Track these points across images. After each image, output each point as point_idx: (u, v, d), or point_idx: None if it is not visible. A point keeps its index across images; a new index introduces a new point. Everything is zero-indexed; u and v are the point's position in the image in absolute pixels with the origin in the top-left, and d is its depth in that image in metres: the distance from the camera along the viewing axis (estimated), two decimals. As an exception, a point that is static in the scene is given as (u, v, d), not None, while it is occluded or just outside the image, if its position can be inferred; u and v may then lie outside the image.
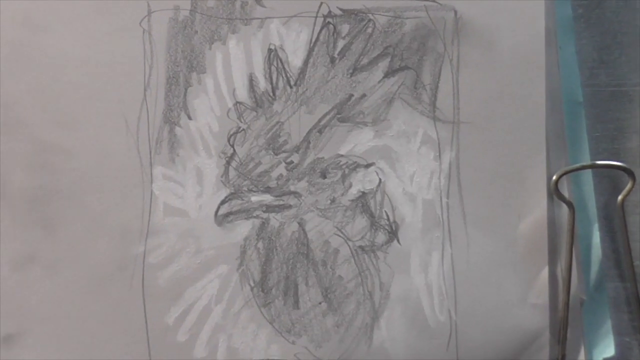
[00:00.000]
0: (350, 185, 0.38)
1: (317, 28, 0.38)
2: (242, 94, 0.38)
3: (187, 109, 0.38)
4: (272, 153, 0.38)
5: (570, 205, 0.38)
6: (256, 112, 0.38)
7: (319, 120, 0.38)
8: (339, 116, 0.38)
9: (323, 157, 0.38)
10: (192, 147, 0.38)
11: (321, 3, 0.38)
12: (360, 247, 0.38)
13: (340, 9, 0.38)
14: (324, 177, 0.38)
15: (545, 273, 0.38)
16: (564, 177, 0.38)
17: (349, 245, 0.38)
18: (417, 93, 0.38)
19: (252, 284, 0.38)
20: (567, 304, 0.38)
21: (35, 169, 0.37)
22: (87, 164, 0.37)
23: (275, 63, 0.38)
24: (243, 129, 0.38)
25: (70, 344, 0.37)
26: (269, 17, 0.38)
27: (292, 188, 0.38)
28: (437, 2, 0.38)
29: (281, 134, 0.38)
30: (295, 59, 0.38)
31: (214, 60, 0.38)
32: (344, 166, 0.38)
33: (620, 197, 0.38)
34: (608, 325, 0.39)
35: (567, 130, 0.39)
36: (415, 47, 0.38)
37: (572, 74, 0.39)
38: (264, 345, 0.38)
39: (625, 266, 0.39)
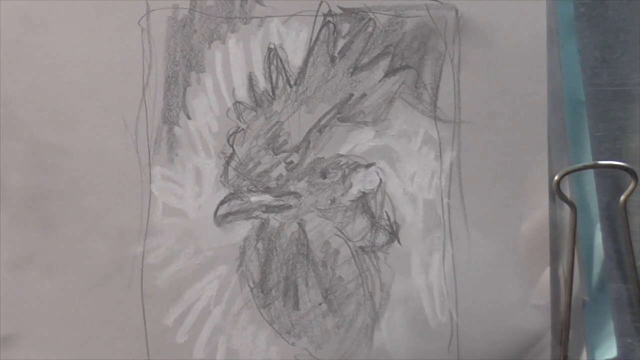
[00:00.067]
0: (351, 186, 0.38)
1: (317, 27, 0.38)
2: (242, 94, 0.38)
3: (186, 109, 0.38)
4: (272, 153, 0.38)
5: (572, 205, 0.38)
6: (256, 111, 0.38)
7: (319, 120, 0.38)
8: (339, 116, 0.38)
9: (323, 157, 0.38)
10: (191, 147, 0.38)
11: (321, 2, 0.38)
12: (361, 247, 0.38)
13: (341, 8, 0.38)
14: (324, 177, 0.38)
15: (547, 274, 0.38)
16: (566, 177, 0.38)
17: (349, 246, 0.38)
18: (418, 92, 0.38)
19: (252, 285, 0.38)
20: (569, 305, 0.37)
21: (33, 169, 0.37)
22: (86, 164, 0.37)
23: (275, 62, 0.38)
24: (242, 129, 0.38)
25: (69, 345, 0.37)
26: (269, 16, 0.38)
27: (292, 188, 0.38)
28: (438, 1, 0.38)
29: (281, 134, 0.38)
30: (295, 58, 0.38)
31: (213, 59, 0.38)
32: (344, 166, 0.38)
33: (622, 198, 0.38)
34: (610, 327, 0.39)
35: (569, 130, 0.38)
36: (416, 46, 0.38)
37: (574, 73, 0.39)
38: (263, 347, 0.38)
39: (627, 267, 0.39)
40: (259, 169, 0.38)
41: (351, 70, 0.38)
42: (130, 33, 0.37)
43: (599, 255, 0.39)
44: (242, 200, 0.38)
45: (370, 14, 0.38)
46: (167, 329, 0.37)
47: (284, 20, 0.38)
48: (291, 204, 0.38)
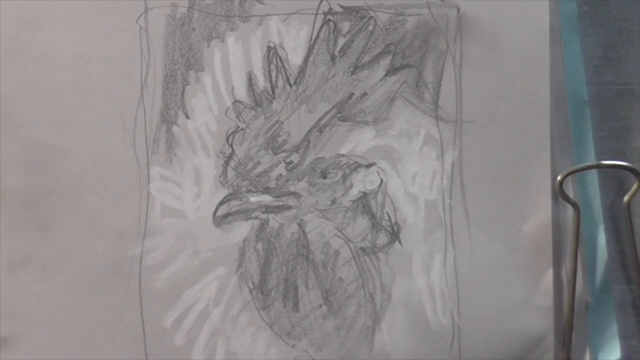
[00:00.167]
0: (351, 186, 0.38)
1: (318, 25, 0.38)
2: (241, 93, 0.38)
3: (184, 108, 0.38)
4: (272, 153, 0.38)
5: (575, 206, 0.37)
6: (255, 111, 0.38)
7: (319, 120, 0.38)
8: (339, 115, 0.38)
9: (323, 157, 0.38)
10: (190, 146, 0.38)
11: (321, 0, 0.38)
12: (361, 248, 0.38)
13: (341, 6, 0.38)
14: (324, 177, 0.38)
15: (549, 275, 0.38)
16: (569, 177, 0.38)
17: (349, 247, 0.38)
18: (419, 92, 0.38)
19: (251, 286, 0.38)
20: (572, 306, 0.37)
21: (30, 169, 0.37)
22: (83, 164, 0.37)
23: (274, 61, 0.38)
24: (242, 128, 0.38)
25: (66, 346, 0.37)
26: (268, 14, 0.38)
27: (291, 188, 0.38)
28: (439, -1, 0.38)
29: (281, 134, 0.38)
30: (295, 57, 0.38)
31: (212, 58, 0.38)
32: (344, 166, 0.38)
33: (626, 198, 0.38)
34: (614, 329, 0.38)
35: (572, 130, 0.38)
36: (417, 44, 0.38)
37: (577, 72, 0.39)
38: (263, 349, 0.38)
39: (631, 268, 0.39)
40: (259, 169, 0.38)
41: (352, 69, 0.38)
42: (129, 31, 0.37)
43: (603, 256, 0.39)
44: (242, 200, 0.38)
45: (371, 12, 0.38)
46: (165, 330, 0.37)
47: (284, 18, 0.38)
48: (291, 204, 0.38)
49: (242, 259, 0.38)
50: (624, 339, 0.38)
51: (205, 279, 0.37)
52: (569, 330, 0.37)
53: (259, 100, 0.38)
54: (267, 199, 0.38)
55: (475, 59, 0.38)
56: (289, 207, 0.38)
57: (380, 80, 0.38)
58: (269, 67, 0.38)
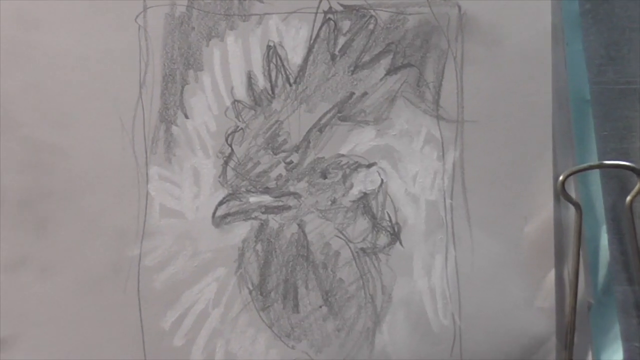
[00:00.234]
0: (352, 186, 0.38)
1: (318, 24, 0.38)
2: (241, 92, 0.38)
3: (183, 108, 0.38)
4: (271, 153, 0.38)
5: (577, 206, 0.37)
6: (255, 110, 0.38)
7: (320, 119, 0.38)
8: (339, 115, 0.38)
9: (323, 157, 0.38)
10: (189, 146, 0.38)
11: (321, -1, 0.38)
12: (362, 249, 0.38)
13: (341, 5, 0.38)
14: (325, 177, 0.38)
15: (551, 276, 0.37)
16: (571, 177, 0.38)
17: (350, 248, 0.38)
18: (420, 91, 0.38)
19: (251, 287, 0.38)
20: (574, 307, 0.37)
21: (28, 169, 0.37)
22: (81, 164, 0.37)
23: (274, 60, 0.38)
24: (241, 128, 0.38)
25: (64, 348, 0.37)
26: (268, 13, 0.38)
27: (291, 189, 0.38)
28: (440, -2, 0.38)
29: (280, 133, 0.38)
30: (294, 56, 0.38)
31: (212, 57, 0.38)
32: (344, 166, 0.38)
33: (628, 198, 0.38)
34: (616, 330, 0.38)
35: (574, 129, 0.38)
36: (418, 44, 0.38)
37: (579, 72, 0.39)
38: (262, 350, 0.37)
39: (634, 269, 0.39)
40: (258, 169, 0.38)
41: (352, 68, 0.38)
42: (127, 30, 0.37)
43: (605, 257, 0.39)
44: (241, 201, 0.38)
45: (372, 11, 0.38)
46: (164, 332, 0.37)
47: (284, 17, 0.38)
48: (291, 204, 0.38)
49: (241, 260, 0.38)
50: (627, 340, 0.38)
51: (204, 280, 0.37)
52: (571, 332, 0.37)
53: (258, 100, 0.38)
54: (266, 199, 0.38)
55: (476, 58, 0.38)
56: (289, 208, 0.38)
57: (381, 79, 0.38)
58: (269, 66, 0.38)
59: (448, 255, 0.38)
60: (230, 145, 0.38)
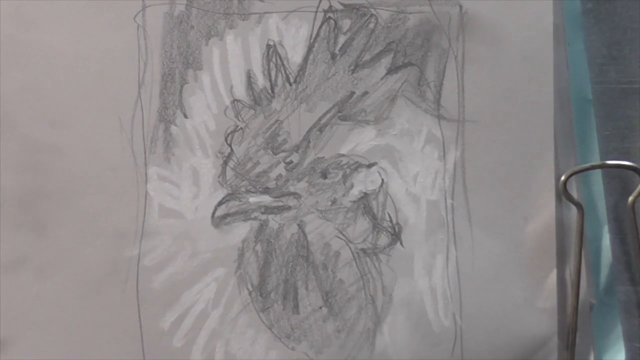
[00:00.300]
0: (352, 186, 0.38)
1: (318, 23, 0.38)
2: (240, 92, 0.38)
3: (182, 107, 0.37)
4: (271, 152, 0.38)
5: (579, 206, 0.37)
6: (254, 110, 0.38)
7: (320, 119, 0.38)
8: (340, 114, 0.38)
9: (323, 157, 0.38)
10: (188, 146, 0.37)
11: (322, -3, 0.38)
12: (362, 249, 0.38)
13: (342, 4, 0.38)
14: (325, 177, 0.38)
15: (553, 276, 0.37)
16: (573, 177, 0.38)
17: (350, 248, 0.38)
18: (420, 90, 0.38)
19: (250, 288, 0.37)
20: (576, 308, 0.37)
21: (25, 169, 0.37)
22: (80, 164, 0.37)
23: (274, 59, 0.38)
24: (241, 128, 0.38)
25: (63, 349, 0.37)
26: (268, 12, 0.38)
27: (291, 189, 0.38)
28: (441, -3, 0.38)
29: (280, 133, 0.38)
30: (294, 55, 0.38)
31: (211, 56, 0.38)
32: (345, 166, 0.38)
33: (630, 198, 0.38)
34: (618, 331, 0.38)
35: (576, 129, 0.38)
36: (419, 43, 0.38)
37: (581, 71, 0.39)
38: (262, 351, 0.37)
39: (636, 269, 0.39)
40: (258, 169, 0.38)
41: (352, 67, 0.38)
42: (126, 29, 0.37)
43: (607, 257, 0.39)
44: (241, 201, 0.38)
45: (372, 9, 0.38)
46: (163, 332, 0.37)
47: (284, 16, 0.38)
48: (291, 204, 0.38)
49: (241, 260, 0.37)
50: (629, 340, 0.38)
51: (203, 281, 0.37)
52: (573, 332, 0.37)
53: (258, 99, 0.38)
54: (266, 199, 0.38)
55: (477, 58, 0.38)
56: (289, 208, 0.38)
57: (382, 78, 0.38)
58: (269, 65, 0.38)
59: (449, 255, 0.38)
60: (230, 145, 0.38)
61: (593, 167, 0.38)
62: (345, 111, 0.38)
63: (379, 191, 0.38)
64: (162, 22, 0.37)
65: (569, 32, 0.38)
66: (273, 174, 0.38)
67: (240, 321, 0.37)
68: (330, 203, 0.38)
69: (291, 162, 0.38)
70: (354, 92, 0.38)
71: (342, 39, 0.38)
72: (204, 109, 0.37)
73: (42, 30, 0.37)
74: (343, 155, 0.38)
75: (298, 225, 0.38)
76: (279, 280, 0.38)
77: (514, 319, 0.37)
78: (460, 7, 0.38)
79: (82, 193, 0.37)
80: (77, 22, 0.37)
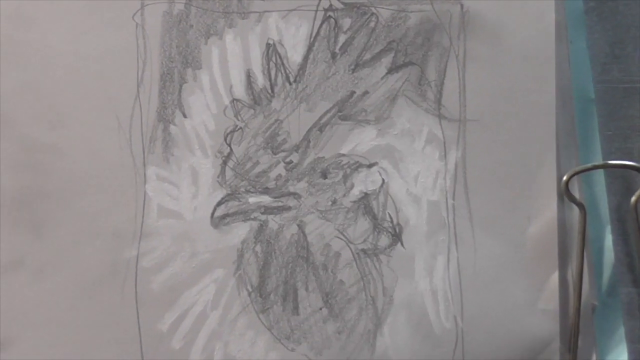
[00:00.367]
0: (352, 186, 0.38)
1: (318, 22, 0.38)
2: (240, 91, 0.38)
3: (182, 107, 0.37)
4: (271, 152, 0.38)
5: (581, 206, 0.37)
6: (254, 109, 0.38)
7: (320, 118, 0.38)
8: (340, 114, 0.38)
9: (324, 157, 0.38)
10: (187, 146, 0.37)
11: (322, -4, 0.38)
12: (363, 250, 0.38)
13: (342, 2, 0.38)
14: (325, 177, 0.38)
15: (555, 277, 0.37)
16: (575, 177, 0.38)
17: (350, 249, 0.38)
18: (421, 90, 0.38)
19: (250, 289, 0.37)
20: (578, 309, 0.37)
21: (23, 169, 0.36)
22: (78, 164, 0.37)
23: (273, 59, 0.38)
24: (240, 128, 0.38)
25: (61, 350, 0.36)
26: (268, 11, 0.38)
27: (291, 189, 0.38)
28: (442, -5, 0.38)
29: (280, 133, 0.38)
30: (294, 55, 0.38)
31: (210, 55, 0.37)
32: (345, 166, 0.38)
33: (633, 198, 0.38)
34: (621, 332, 0.38)
35: (578, 129, 0.38)
36: (419, 41, 0.38)
37: (583, 70, 0.39)
38: (262, 353, 0.37)
39: (639, 270, 0.38)
40: (258, 169, 0.38)
41: (353, 67, 0.38)
42: (124, 28, 0.37)
43: (609, 258, 0.38)
44: (240, 201, 0.37)
45: (373, 8, 0.38)
46: (162, 334, 0.37)
47: (283, 15, 0.38)
48: (291, 205, 0.38)
49: (240, 261, 0.37)
50: (632, 342, 0.38)
51: (202, 282, 0.37)
52: (575, 334, 0.37)
53: (257, 99, 0.38)
54: (266, 199, 0.38)
55: (479, 57, 0.38)
56: (289, 208, 0.38)
57: (382, 78, 0.38)
58: (268, 64, 0.38)
59: (450, 256, 0.37)
60: (229, 145, 0.37)
61: (595, 167, 0.38)
62: (346, 111, 0.38)
63: (379, 191, 0.38)
64: (161, 21, 0.37)
65: (571, 30, 0.38)
66: (273, 174, 0.38)
67: (240, 322, 0.37)
68: (330, 203, 0.38)
69: (291, 162, 0.38)
70: (354, 92, 0.38)
71: (342, 38, 0.38)
72: (203, 109, 0.37)
73: (40, 30, 0.37)
74: (343, 155, 0.38)
75: (298, 225, 0.38)
76: (278, 281, 0.37)
77: (516, 321, 0.37)
78: (462, 5, 0.38)
79: (80, 193, 0.37)
80: (75, 21, 0.37)
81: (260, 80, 0.38)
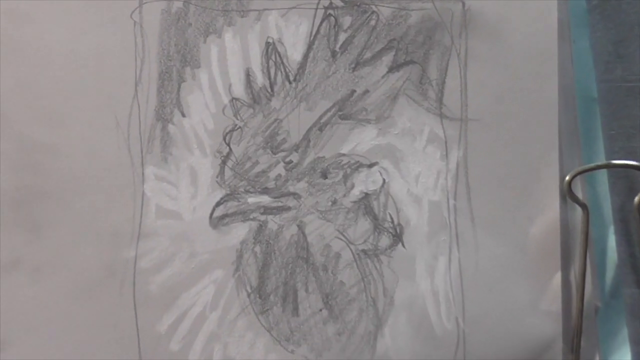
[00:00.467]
0: (353, 186, 0.38)
1: (318, 20, 0.38)
2: (239, 90, 0.37)
3: (180, 106, 0.37)
4: (270, 152, 0.37)
5: (584, 207, 0.37)
6: (253, 109, 0.37)
7: (320, 118, 0.38)
8: (340, 113, 0.38)
9: (324, 157, 0.38)
10: (186, 145, 0.37)
11: (322, -6, 0.38)
12: (363, 251, 0.37)
13: (342, 1, 0.38)
14: (325, 177, 0.38)
15: (557, 278, 0.37)
16: (578, 177, 0.38)
17: (351, 249, 0.37)
18: (422, 89, 0.38)
19: (249, 290, 0.37)
20: (581, 311, 0.37)
21: (20, 169, 0.36)
22: (75, 164, 0.36)
23: (273, 57, 0.37)
24: (239, 127, 0.37)
25: (58, 351, 0.36)
26: (267, 9, 0.37)
27: (291, 189, 0.38)
28: (444, -7, 0.38)
29: (280, 132, 0.37)
30: (294, 53, 0.37)
31: (209, 54, 0.37)
32: (345, 166, 0.38)
33: (637, 199, 0.38)
34: (624, 334, 0.38)
35: (580, 128, 0.38)
36: (421, 40, 0.38)
37: (586, 69, 0.39)
38: (261, 355, 0.37)
39: None
40: (257, 169, 0.37)
41: (353, 65, 0.38)
42: (122, 26, 0.37)
43: (612, 259, 0.38)
44: (239, 201, 0.37)
45: (373, 6, 0.38)
46: (160, 336, 0.37)
47: (283, 13, 0.37)
48: (290, 205, 0.38)
49: (239, 262, 0.37)
50: (635, 343, 0.38)
51: (201, 282, 0.37)
52: (578, 335, 0.37)
53: (257, 98, 0.37)
54: (265, 199, 0.37)
55: (481, 55, 0.37)
56: (288, 208, 0.37)
57: (383, 77, 0.38)
58: (268, 63, 0.37)
59: (451, 257, 0.37)
60: (228, 145, 0.37)
61: (598, 167, 0.38)
62: (346, 110, 0.38)
63: (380, 191, 0.38)
64: (160, 19, 0.37)
65: (574, 29, 0.38)
66: (272, 174, 0.37)
67: (239, 324, 0.37)
68: (330, 203, 0.38)
69: (291, 161, 0.38)
70: (354, 91, 0.38)
71: (342, 37, 0.38)
72: (202, 108, 0.37)
73: (38, 28, 0.36)
74: (343, 154, 0.38)
75: (298, 226, 0.37)
76: (278, 282, 0.37)
77: (518, 322, 0.37)
78: (463, 3, 0.37)
79: (78, 193, 0.36)
80: (72, 19, 0.37)
81: (259, 79, 0.37)
